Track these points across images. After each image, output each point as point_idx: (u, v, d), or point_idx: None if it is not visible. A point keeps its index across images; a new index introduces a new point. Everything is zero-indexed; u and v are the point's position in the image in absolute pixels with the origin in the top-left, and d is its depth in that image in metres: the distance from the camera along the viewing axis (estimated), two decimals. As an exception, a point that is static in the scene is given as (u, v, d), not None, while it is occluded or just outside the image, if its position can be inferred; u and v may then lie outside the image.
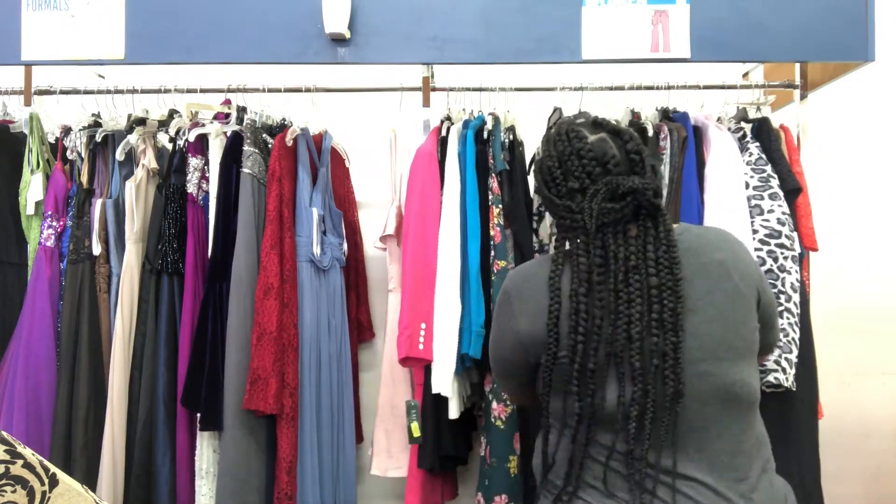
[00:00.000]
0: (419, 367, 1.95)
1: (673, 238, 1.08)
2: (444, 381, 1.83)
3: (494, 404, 1.90)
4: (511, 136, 2.09)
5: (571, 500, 1.09)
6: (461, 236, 1.91)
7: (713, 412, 1.06)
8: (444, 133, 2.06)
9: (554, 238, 1.16)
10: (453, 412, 1.87)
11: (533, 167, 1.19)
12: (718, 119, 2.12)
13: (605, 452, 1.07)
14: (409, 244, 1.92)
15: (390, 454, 2.10)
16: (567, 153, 1.12)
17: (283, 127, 2.13)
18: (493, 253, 1.92)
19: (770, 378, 1.84)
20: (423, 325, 1.86)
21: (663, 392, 1.03)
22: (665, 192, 1.99)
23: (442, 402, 1.88)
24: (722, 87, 2.19)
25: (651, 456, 1.04)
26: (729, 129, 2.06)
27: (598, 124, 1.15)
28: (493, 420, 1.90)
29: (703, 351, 1.06)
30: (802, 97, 2.20)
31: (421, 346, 1.85)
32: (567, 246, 1.13)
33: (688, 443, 1.05)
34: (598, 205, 1.07)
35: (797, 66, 2.22)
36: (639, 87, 2.12)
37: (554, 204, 1.14)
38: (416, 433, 1.85)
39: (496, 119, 2.06)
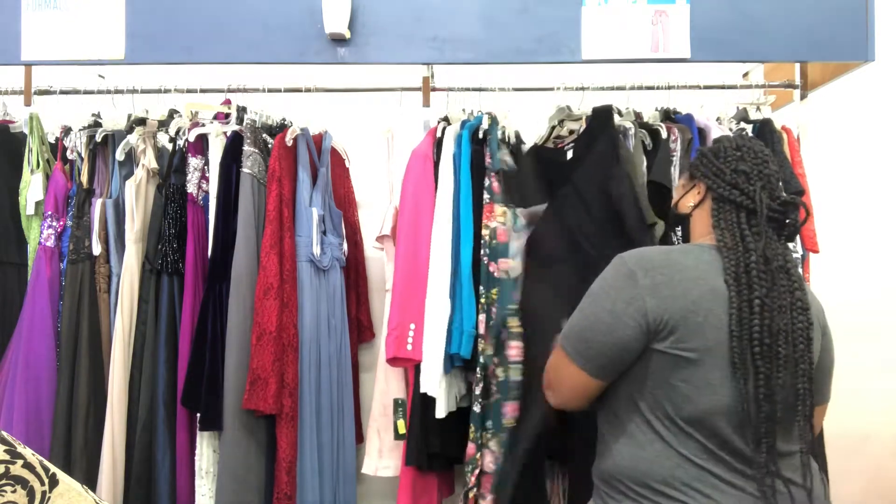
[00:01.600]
0: (409, 366, 1.96)
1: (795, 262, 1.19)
2: (432, 381, 1.82)
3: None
4: (514, 136, 2.08)
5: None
6: (453, 237, 1.91)
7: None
8: (440, 134, 2.05)
9: (715, 219, 1.22)
10: (440, 411, 1.86)
11: (698, 152, 1.30)
12: (718, 119, 2.12)
13: (706, 454, 1.12)
14: (400, 245, 1.93)
15: (381, 454, 2.10)
16: (745, 147, 1.23)
17: (283, 127, 2.13)
18: (486, 252, 1.90)
19: None
20: (413, 326, 1.86)
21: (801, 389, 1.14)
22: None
23: (430, 400, 1.88)
24: (722, 87, 2.19)
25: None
26: (730, 129, 2.06)
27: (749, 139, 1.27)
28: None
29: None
30: (802, 97, 2.20)
31: (409, 347, 1.84)
32: (721, 227, 1.19)
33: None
34: (766, 200, 1.17)
35: (797, 66, 2.22)
36: (639, 87, 2.12)
37: (722, 173, 1.22)
38: (402, 430, 1.86)
39: (493, 118, 2.06)
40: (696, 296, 1.13)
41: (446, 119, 2.12)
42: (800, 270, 1.21)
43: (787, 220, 1.20)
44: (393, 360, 1.88)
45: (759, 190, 1.17)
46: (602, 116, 1.98)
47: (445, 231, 1.91)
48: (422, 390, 1.83)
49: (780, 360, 1.10)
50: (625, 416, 1.19)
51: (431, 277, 1.88)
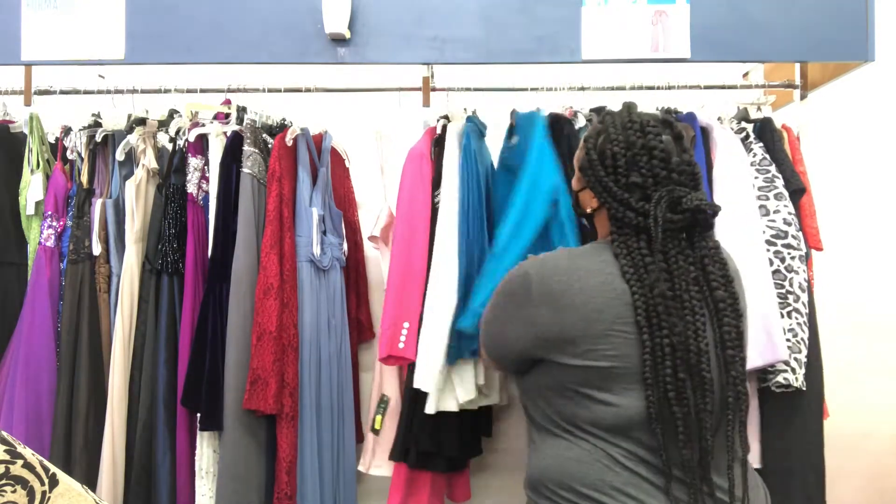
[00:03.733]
0: (403, 365, 1.95)
1: (721, 253, 1.11)
2: (427, 377, 1.81)
3: None
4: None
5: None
6: (462, 233, 1.90)
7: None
8: (440, 131, 2.05)
9: (612, 234, 1.13)
10: (430, 407, 1.85)
11: (585, 145, 1.17)
12: (719, 119, 2.12)
13: (634, 458, 1.05)
14: (395, 244, 1.92)
15: (375, 452, 2.10)
16: (638, 145, 1.08)
17: (283, 127, 2.13)
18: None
19: (780, 378, 1.83)
20: (406, 325, 1.85)
21: (723, 402, 1.06)
22: None
23: (421, 396, 1.87)
24: (722, 87, 2.19)
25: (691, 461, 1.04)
26: (731, 129, 2.06)
27: (666, 123, 1.11)
28: None
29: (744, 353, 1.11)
30: (802, 97, 2.20)
31: (401, 346, 1.83)
32: (623, 255, 1.08)
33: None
34: (663, 214, 1.04)
35: (797, 66, 2.22)
36: (639, 87, 2.12)
37: (611, 191, 1.10)
38: (377, 425, 1.90)
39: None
40: (601, 303, 1.05)
41: (446, 117, 2.12)
42: (723, 256, 1.12)
43: (705, 218, 1.08)
44: (386, 359, 1.87)
45: (653, 212, 1.05)
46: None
47: (451, 227, 1.88)
48: (415, 385, 1.82)
49: (706, 383, 1.03)
50: (549, 423, 1.13)
51: (435, 274, 1.87)
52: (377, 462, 2.10)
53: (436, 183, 1.98)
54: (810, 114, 2.19)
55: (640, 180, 1.07)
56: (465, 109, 2.14)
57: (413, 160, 1.97)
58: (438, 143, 2.03)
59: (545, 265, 1.11)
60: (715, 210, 1.08)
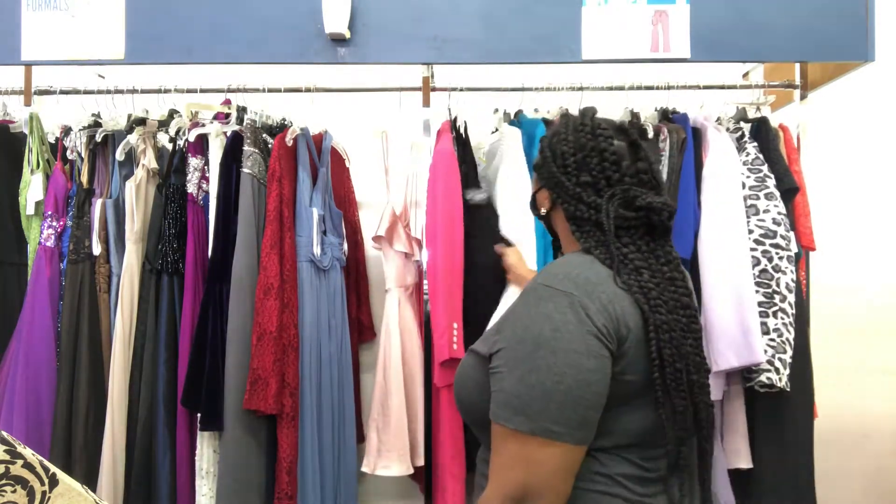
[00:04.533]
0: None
1: (679, 259, 1.09)
2: None
3: None
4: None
5: None
6: (539, 234, 1.93)
7: None
8: (462, 132, 2.07)
9: (576, 234, 1.11)
10: None
11: (540, 145, 1.15)
12: (718, 119, 2.12)
13: (635, 472, 1.01)
14: (438, 245, 1.90)
15: (380, 453, 2.10)
16: (588, 147, 1.09)
17: (283, 127, 2.13)
18: None
19: (762, 378, 1.84)
20: (455, 325, 1.86)
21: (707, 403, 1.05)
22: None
23: None
24: (722, 87, 2.19)
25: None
26: (728, 129, 2.06)
27: (622, 130, 1.12)
28: None
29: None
30: (802, 97, 2.20)
31: (455, 346, 1.85)
32: (598, 252, 1.06)
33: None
34: (615, 209, 1.04)
35: (797, 66, 2.22)
36: (639, 88, 2.12)
37: (563, 186, 1.10)
38: None
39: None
40: (616, 319, 0.98)
41: (451, 117, 2.12)
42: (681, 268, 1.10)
43: (661, 219, 1.06)
44: (447, 362, 1.88)
45: (605, 206, 1.04)
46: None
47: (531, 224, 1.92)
48: None
49: (695, 385, 1.03)
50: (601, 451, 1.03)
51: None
52: (384, 463, 2.09)
53: (464, 182, 1.99)
54: (810, 114, 2.19)
55: (590, 180, 1.08)
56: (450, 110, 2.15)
57: (444, 159, 1.95)
58: (459, 141, 2.04)
59: (572, 278, 1.02)
60: (671, 212, 1.07)
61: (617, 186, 1.06)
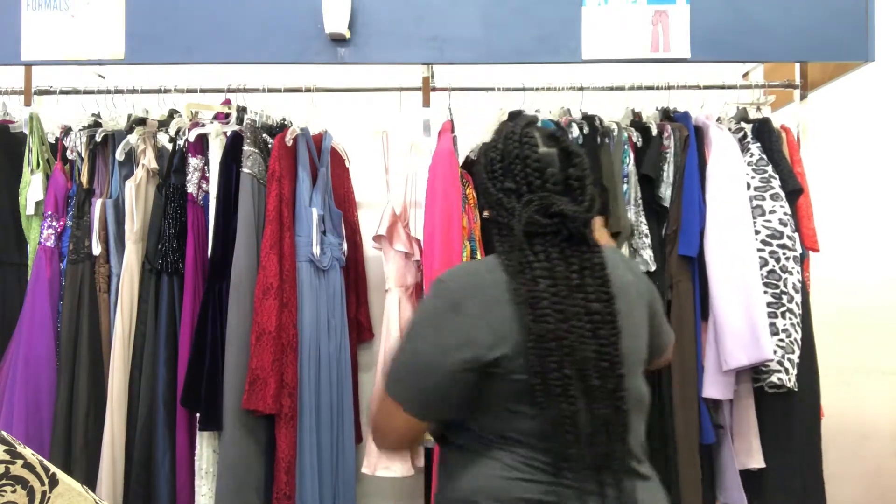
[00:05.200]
0: None
1: (606, 269, 1.10)
2: None
3: None
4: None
5: None
6: None
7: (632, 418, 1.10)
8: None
9: (495, 237, 1.14)
10: None
11: (479, 152, 1.20)
12: (718, 119, 2.12)
13: (540, 463, 1.05)
14: (436, 246, 1.90)
15: (381, 453, 2.10)
16: (513, 154, 1.12)
17: (283, 127, 2.13)
18: None
19: (773, 378, 1.84)
20: None
21: (609, 406, 1.06)
22: (669, 192, 1.99)
23: None
24: (722, 87, 2.19)
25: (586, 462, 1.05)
26: (729, 129, 2.06)
27: (553, 138, 1.15)
28: None
29: (626, 367, 1.08)
30: (802, 97, 2.20)
31: None
32: (507, 257, 1.10)
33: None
34: (529, 214, 1.08)
35: (797, 66, 2.22)
36: (639, 87, 2.12)
37: (488, 191, 1.15)
38: None
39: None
40: (502, 318, 1.05)
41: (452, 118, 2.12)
42: (606, 271, 1.10)
43: (574, 227, 1.09)
44: None
45: (518, 211, 1.08)
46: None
47: None
48: None
49: (594, 389, 1.04)
50: (462, 442, 1.12)
51: None
52: (385, 463, 2.09)
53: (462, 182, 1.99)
54: (810, 114, 2.19)
55: (513, 186, 1.11)
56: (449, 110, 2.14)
57: (443, 160, 1.94)
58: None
59: (458, 279, 1.12)
60: (585, 220, 1.09)
61: (538, 193, 1.10)
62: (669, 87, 2.12)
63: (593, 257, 1.10)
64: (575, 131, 2.02)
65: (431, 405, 1.08)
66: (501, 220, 1.12)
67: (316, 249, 2.02)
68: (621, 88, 2.13)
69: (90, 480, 1.88)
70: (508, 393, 1.06)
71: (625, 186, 1.99)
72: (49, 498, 0.89)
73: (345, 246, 2.20)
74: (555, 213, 1.08)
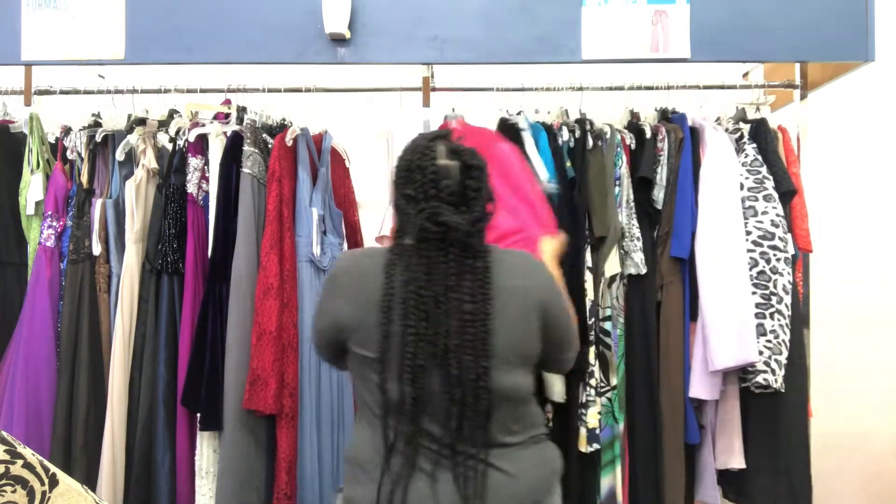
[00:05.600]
0: None
1: (489, 274, 1.21)
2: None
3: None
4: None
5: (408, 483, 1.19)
6: None
7: (493, 407, 1.21)
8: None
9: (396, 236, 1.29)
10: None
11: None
12: (717, 119, 2.12)
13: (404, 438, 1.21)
14: None
15: None
16: (415, 164, 1.24)
17: (283, 127, 2.13)
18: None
19: (759, 379, 1.85)
20: None
21: (469, 393, 1.19)
22: (662, 195, 1.99)
23: None
24: (722, 87, 2.19)
25: (445, 439, 1.20)
26: (727, 129, 2.06)
27: (455, 152, 1.25)
28: None
29: (496, 362, 1.20)
30: (802, 97, 2.20)
31: None
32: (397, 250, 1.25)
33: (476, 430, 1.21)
34: (420, 222, 1.21)
35: (797, 66, 2.22)
36: (638, 88, 2.12)
37: (394, 198, 1.29)
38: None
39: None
40: (367, 300, 1.22)
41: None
42: (489, 274, 1.22)
43: (456, 237, 1.21)
44: None
45: (413, 218, 1.22)
46: (509, 131, 2.02)
47: None
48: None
49: (451, 377, 1.17)
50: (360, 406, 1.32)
51: None
52: None
53: None
54: (810, 114, 2.19)
55: (412, 193, 1.23)
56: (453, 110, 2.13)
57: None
58: None
59: (343, 260, 1.35)
60: (467, 231, 1.21)
61: (432, 202, 1.22)
62: (669, 88, 2.12)
63: (475, 262, 1.22)
64: (565, 134, 2.02)
65: (319, 347, 1.37)
66: (400, 222, 1.26)
67: (316, 249, 2.02)
68: (621, 89, 2.13)
69: (90, 480, 1.88)
70: (362, 366, 1.24)
71: (617, 189, 1.99)
72: (49, 498, 0.89)
73: (345, 246, 2.20)
74: (441, 222, 1.20)
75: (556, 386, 1.84)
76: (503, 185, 1.75)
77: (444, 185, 1.22)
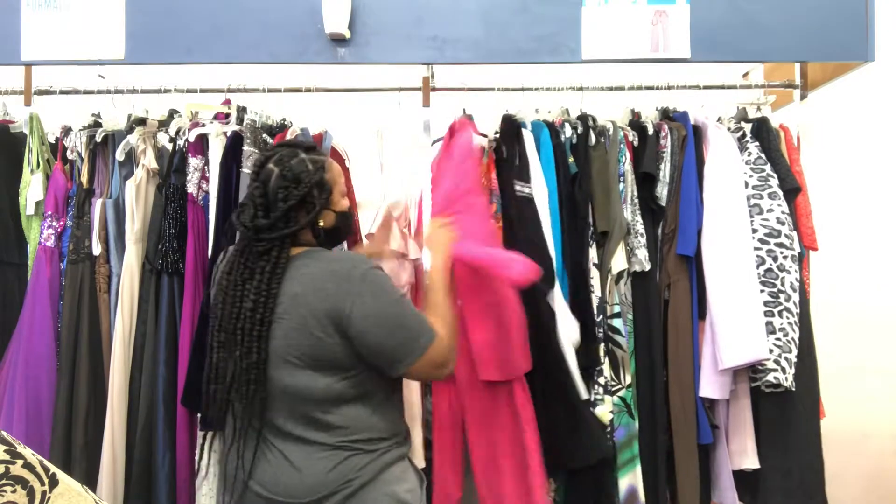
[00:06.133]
0: None
1: (273, 280, 1.31)
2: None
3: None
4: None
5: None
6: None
7: (279, 403, 1.33)
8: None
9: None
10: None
11: None
12: (718, 119, 2.12)
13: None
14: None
15: None
16: (257, 167, 1.38)
17: (283, 127, 2.13)
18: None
19: (769, 377, 1.84)
20: None
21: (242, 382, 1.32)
22: (666, 192, 1.99)
23: None
24: (722, 87, 2.19)
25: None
26: (728, 128, 2.06)
27: (280, 160, 1.35)
28: None
29: (273, 357, 1.31)
30: (802, 97, 2.20)
31: None
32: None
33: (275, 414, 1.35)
34: (237, 220, 1.36)
35: (797, 66, 2.22)
36: (639, 88, 2.12)
37: None
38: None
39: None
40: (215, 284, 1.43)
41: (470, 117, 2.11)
42: (273, 277, 1.33)
43: (247, 237, 1.34)
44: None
45: (237, 212, 1.37)
46: (510, 126, 2.02)
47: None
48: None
49: (237, 360, 1.31)
50: None
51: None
52: None
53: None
54: (810, 114, 2.19)
55: (248, 191, 1.39)
56: (464, 110, 2.13)
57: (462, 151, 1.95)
58: None
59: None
60: (254, 236, 1.33)
61: (248, 199, 1.36)
62: (669, 88, 2.12)
63: (266, 266, 1.31)
64: (568, 131, 2.02)
65: None
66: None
67: (316, 249, 2.02)
68: (621, 88, 2.13)
69: (90, 480, 1.88)
70: None
71: (621, 185, 1.98)
72: (49, 498, 0.89)
73: (344, 245, 2.20)
74: (239, 223, 1.35)
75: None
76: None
77: (255, 187, 1.35)
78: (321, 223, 1.39)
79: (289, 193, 1.32)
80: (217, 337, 1.35)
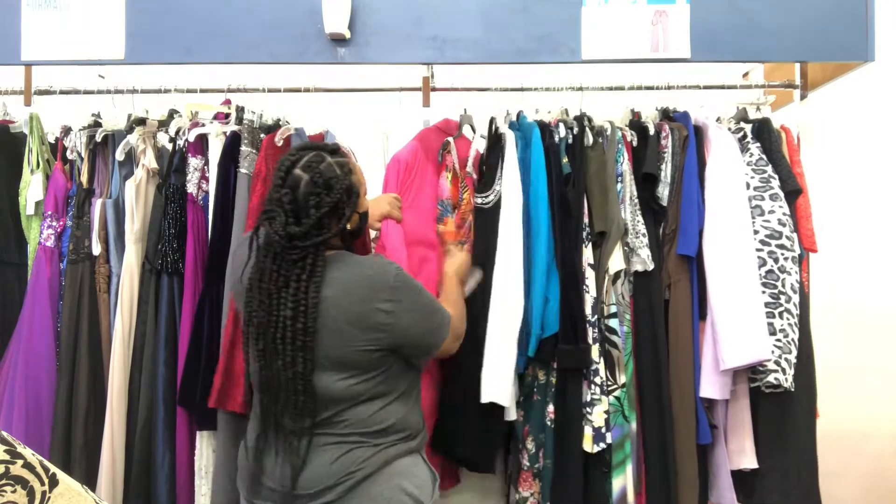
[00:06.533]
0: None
1: (309, 287, 1.28)
2: (504, 391, 1.83)
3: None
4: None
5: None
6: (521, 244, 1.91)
7: (321, 403, 1.33)
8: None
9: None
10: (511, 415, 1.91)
11: None
12: (718, 119, 2.12)
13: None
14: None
15: None
16: (278, 167, 1.32)
17: (277, 126, 2.12)
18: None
19: (770, 378, 1.84)
20: None
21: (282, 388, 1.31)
22: (667, 192, 1.99)
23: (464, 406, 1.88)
24: (722, 87, 2.19)
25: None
26: (729, 129, 2.06)
27: (309, 166, 1.31)
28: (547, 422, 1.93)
29: (317, 365, 1.31)
30: (802, 97, 2.20)
31: None
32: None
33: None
34: (262, 224, 1.32)
35: (797, 66, 2.22)
36: (639, 88, 2.12)
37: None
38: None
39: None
40: (241, 288, 1.39)
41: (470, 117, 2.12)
42: (309, 284, 1.30)
43: (278, 249, 1.29)
44: None
45: (260, 221, 1.32)
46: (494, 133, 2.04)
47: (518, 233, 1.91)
48: (488, 399, 1.82)
49: (281, 367, 1.29)
50: None
51: (500, 281, 1.88)
52: None
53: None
54: (810, 114, 2.19)
55: (272, 194, 1.32)
56: (465, 110, 2.14)
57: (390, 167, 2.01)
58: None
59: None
60: (286, 244, 1.28)
61: (274, 205, 1.31)
62: (669, 88, 2.12)
63: (301, 273, 1.29)
64: (562, 131, 2.01)
65: None
66: (261, 219, 1.34)
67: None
68: (621, 88, 2.13)
69: (90, 480, 1.88)
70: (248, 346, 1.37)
71: (619, 185, 1.98)
72: (49, 498, 0.89)
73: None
74: (287, 234, 1.28)
75: None
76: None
77: (284, 193, 1.29)
78: (349, 227, 1.37)
79: (321, 200, 1.29)
80: (255, 346, 1.32)
